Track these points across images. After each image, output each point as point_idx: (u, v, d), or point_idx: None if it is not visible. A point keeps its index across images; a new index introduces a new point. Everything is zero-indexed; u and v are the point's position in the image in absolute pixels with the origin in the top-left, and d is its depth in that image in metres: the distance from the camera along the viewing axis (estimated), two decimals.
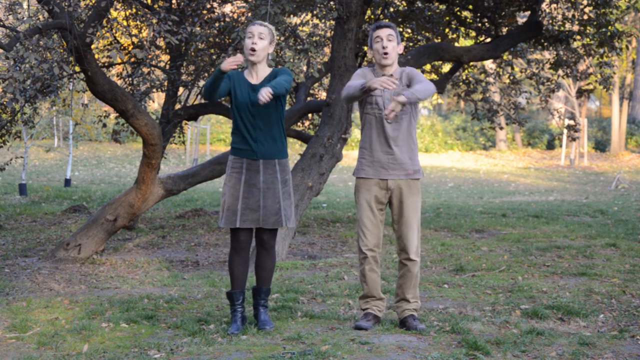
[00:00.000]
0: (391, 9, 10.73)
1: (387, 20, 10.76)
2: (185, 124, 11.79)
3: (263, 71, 5.28)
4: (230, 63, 4.96)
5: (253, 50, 5.19)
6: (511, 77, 12.43)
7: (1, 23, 6.95)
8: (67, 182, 17.97)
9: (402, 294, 5.29)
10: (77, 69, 8.48)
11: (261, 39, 5.19)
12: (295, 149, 27.37)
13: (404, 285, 5.28)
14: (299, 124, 12.42)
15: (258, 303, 5.28)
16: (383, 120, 5.21)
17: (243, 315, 5.26)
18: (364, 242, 5.25)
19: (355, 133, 32.27)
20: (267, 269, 5.30)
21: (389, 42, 5.23)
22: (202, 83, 10.99)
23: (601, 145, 34.54)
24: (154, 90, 9.79)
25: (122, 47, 9.96)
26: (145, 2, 9.67)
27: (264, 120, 5.19)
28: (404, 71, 5.31)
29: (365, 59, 11.46)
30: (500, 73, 12.73)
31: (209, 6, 9.85)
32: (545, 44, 10.69)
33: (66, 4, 6.76)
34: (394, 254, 8.29)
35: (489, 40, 10.80)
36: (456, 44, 11.49)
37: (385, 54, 5.22)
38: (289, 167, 5.35)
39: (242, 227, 5.17)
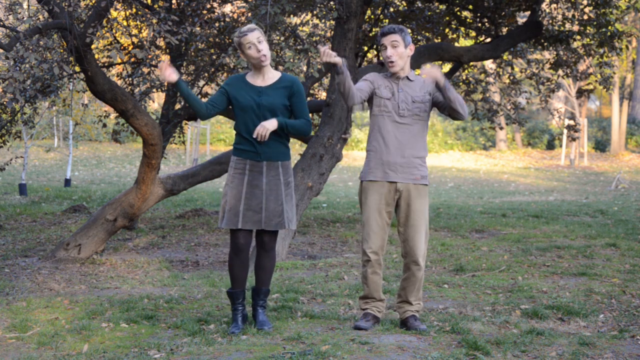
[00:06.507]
0: (391, 9, 10.73)
1: (387, 22, 10.76)
2: (185, 124, 11.79)
3: (270, 73, 5.24)
4: (168, 75, 4.95)
5: (264, 57, 5.14)
6: (511, 77, 12.42)
7: (1, 23, 6.96)
8: (67, 182, 17.97)
9: (405, 296, 5.25)
10: (77, 69, 8.48)
11: (260, 42, 5.14)
12: (295, 149, 27.31)
13: (408, 288, 5.23)
14: None
15: (257, 303, 5.28)
16: (393, 123, 5.14)
17: (244, 314, 5.27)
18: (369, 245, 5.16)
19: (355, 133, 32.28)
20: (267, 270, 5.30)
21: (394, 48, 5.12)
22: (202, 83, 10.99)
23: (601, 145, 34.54)
24: (154, 90, 9.79)
25: (122, 47, 9.96)
26: (145, 2, 9.67)
27: None
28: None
29: (366, 59, 11.46)
30: (500, 73, 12.73)
31: (209, 6, 9.85)
32: (545, 44, 10.69)
33: (66, 4, 6.76)
34: (394, 254, 8.29)
35: (489, 40, 10.80)
36: (456, 44, 11.49)
37: (391, 62, 5.14)
38: (291, 169, 5.32)
39: (243, 229, 5.17)
